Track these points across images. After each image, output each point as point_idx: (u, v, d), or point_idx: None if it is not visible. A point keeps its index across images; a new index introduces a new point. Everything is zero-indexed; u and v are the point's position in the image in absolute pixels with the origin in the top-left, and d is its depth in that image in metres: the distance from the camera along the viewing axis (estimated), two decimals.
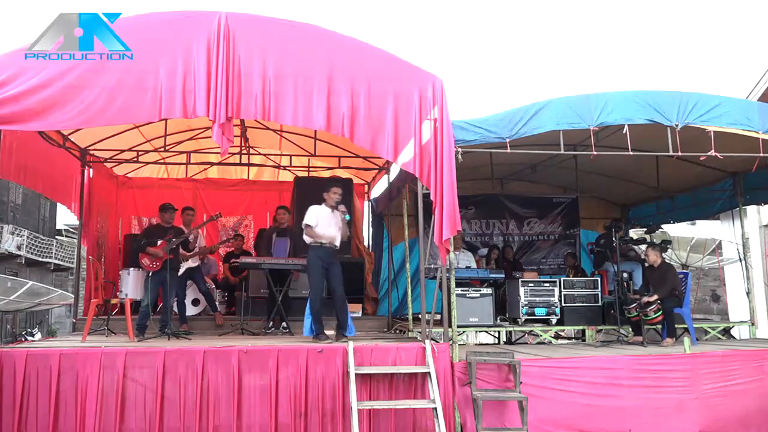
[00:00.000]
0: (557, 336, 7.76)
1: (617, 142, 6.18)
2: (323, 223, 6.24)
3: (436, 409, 5.05)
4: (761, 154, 6.12)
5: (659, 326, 6.98)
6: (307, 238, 6.26)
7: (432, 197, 5.58)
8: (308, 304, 6.30)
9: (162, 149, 8.29)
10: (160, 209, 6.96)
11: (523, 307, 7.48)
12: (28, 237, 22.42)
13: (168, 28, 5.39)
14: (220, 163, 9.38)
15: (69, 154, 7.69)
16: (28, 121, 5.20)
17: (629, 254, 8.86)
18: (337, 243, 6.37)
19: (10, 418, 4.88)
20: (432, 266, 6.51)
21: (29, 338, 18.49)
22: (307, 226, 6.18)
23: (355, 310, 8.29)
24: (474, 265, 8.16)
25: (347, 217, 6.34)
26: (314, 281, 6.23)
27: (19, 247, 21.73)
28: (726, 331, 7.96)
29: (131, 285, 6.58)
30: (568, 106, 5.94)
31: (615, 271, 7.15)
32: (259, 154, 9.62)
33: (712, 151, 6.01)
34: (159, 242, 6.57)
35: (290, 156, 9.49)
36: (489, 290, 7.30)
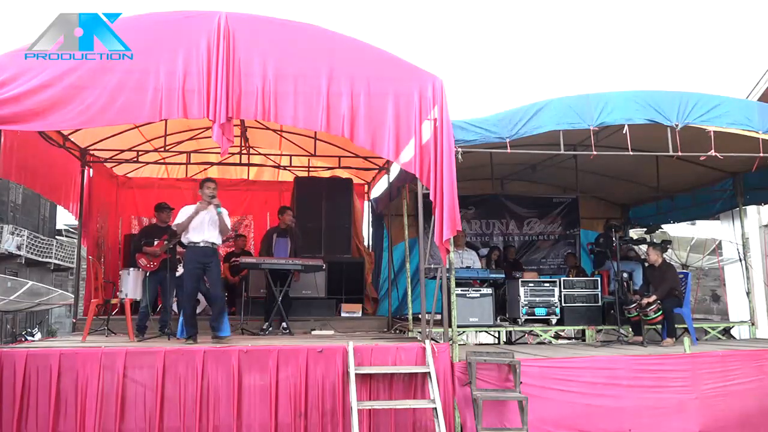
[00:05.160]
0: (557, 336, 7.77)
1: (617, 142, 6.18)
2: (195, 222, 6.08)
3: (436, 409, 5.05)
4: (761, 154, 6.12)
5: (659, 326, 6.98)
6: (184, 239, 6.13)
7: (432, 197, 5.58)
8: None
9: (162, 149, 8.29)
10: (155, 209, 6.95)
11: (523, 307, 7.48)
12: (28, 237, 22.42)
13: (168, 28, 5.39)
14: (220, 163, 9.38)
15: (69, 154, 7.69)
16: (28, 122, 5.21)
17: (629, 254, 8.86)
18: (215, 240, 6.18)
19: (10, 418, 4.88)
20: (432, 266, 6.52)
21: (29, 338, 18.48)
22: (177, 225, 6.06)
23: (355, 310, 8.30)
24: (477, 263, 8.16)
25: (219, 210, 6.10)
26: (188, 283, 6.10)
27: (19, 247, 21.73)
28: (726, 331, 7.96)
29: (131, 285, 6.57)
30: (568, 106, 5.94)
31: (615, 271, 7.15)
32: (259, 154, 9.63)
33: (712, 151, 6.01)
34: (156, 242, 6.57)
35: (290, 156, 9.49)
36: (489, 290, 7.30)
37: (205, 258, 6.12)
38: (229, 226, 6.20)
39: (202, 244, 6.09)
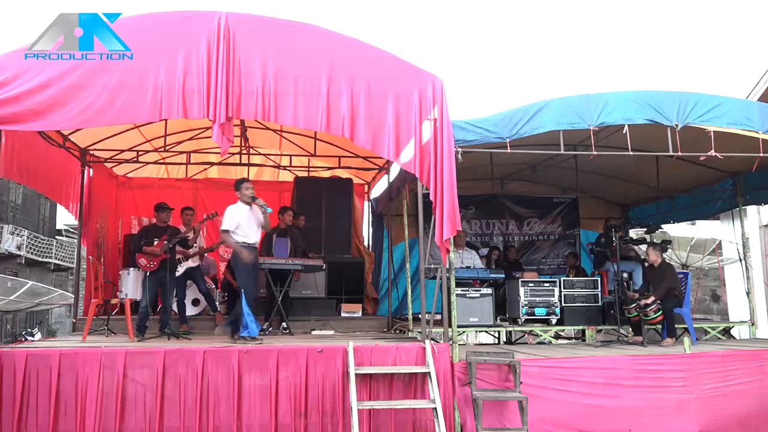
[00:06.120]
0: (557, 336, 7.76)
1: (617, 142, 6.18)
2: (244, 223, 6.13)
3: (436, 409, 5.05)
4: (761, 154, 6.12)
5: (659, 326, 6.98)
6: (230, 239, 6.13)
7: (432, 197, 5.58)
8: (244, 304, 6.02)
9: (162, 149, 8.29)
10: (155, 209, 6.94)
11: (523, 307, 7.48)
12: (28, 237, 22.42)
13: (168, 29, 5.39)
14: (220, 163, 9.38)
15: (69, 154, 7.69)
16: (28, 121, 5.21)
17: (629, 254, 8.86)
18: (258, 240, 6.31)
19: (10, 418, 4.89)
20: (432, 266, 6.52)
21: (29, 338, 18.47)
22: (225, 231, 6.07)
23: (355, 310, 8.30)
24: (478, 263, 8.16)
25: (269, 209, 6.21)
26: (248, 281, 6.10)
27: (19, 247, 21.73)
28: (726, 331, 7.96)
29: (131, 285, 6.57)
30: (568, 106, 5.94)
31: (615, 271, 7.15)
32: (259, 154, 9.62)
33: (712, 151, 6.01)
34: (155, 242, 6.58)
35: (290, 156, 9.49)
36: (489, 290, 7.30)
37: (255, 258, 6.24)
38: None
39: (253, 244, 6.19)
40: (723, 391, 5.76)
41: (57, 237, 26.31)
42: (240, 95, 5.36)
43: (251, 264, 6.16)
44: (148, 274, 6.52)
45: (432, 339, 5.73)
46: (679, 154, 6.09)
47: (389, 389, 5.35)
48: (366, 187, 10.34)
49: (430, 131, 5.62)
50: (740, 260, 8.41)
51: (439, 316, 6.07)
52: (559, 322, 7.56)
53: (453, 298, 5.99)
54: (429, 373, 5.29)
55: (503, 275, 7.96)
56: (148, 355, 5.17)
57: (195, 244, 7.37)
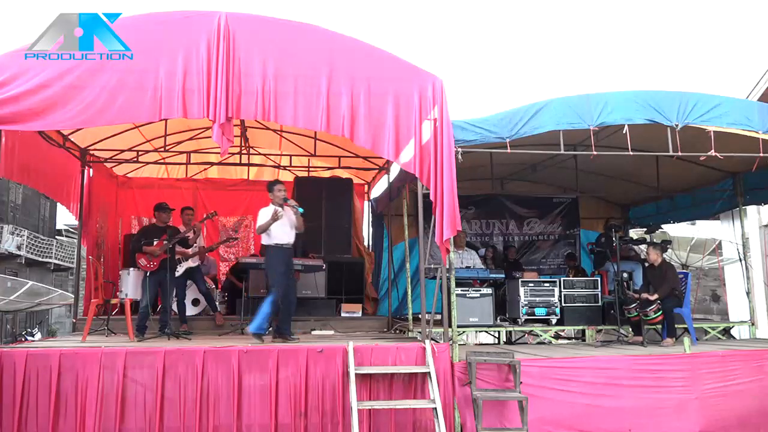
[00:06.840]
0: (557, 336, 7.76)
1: (617, 142, 6.18)
2: (276, 224, 6.11)
3: (436, 409, 5.06)
4: (761, 154, 6.12)
5: (659, 326, 6.98)
6: (264, 239, 6.16)
7: (432, 197, 5.58)
8: (269, 301, 6.02)
9: (162, 149, 8.28)
10: (155, 209, 6.93)
11: (523, 307, 7.48)
12: (28, 237, 22.41)
13: (168, 28, 5.39)
14: (220, 163, 9.37)
15: (69, 154, 7.69)
16: (28, 121, 5.21)
17: (629, 254, 8.86)
18: (293, 240, 6.30)
19: (10, 418, 4.89)
20: (432, 266, 6.52)
21: (29, 338, 18.48)
22: (260, 227, 6.08)
23: (355, 310, 8.30)
24: (478, 263, 8.16)
25: (301, 210, 6.21)
26: (281, 280, 6.09)
27: (19, 247, 21.72)
28: (726, 331, 7.96)
29: (131, 285, 6.57)
30: (568, 106, 5.94)
31: (615, 271, 7.15)
32: (259, 154, 9.62)
33: (712, 151, 6.01)
34: (155, 242, 6.57)
35: (290, 156, 9.49)
36: (489, 290, 7.30)
37: (290, 259, 6.26)
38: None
39: (286, 246, 6.18)
40: (723, 391, 5.76)
41: (57, 237, 26.31)
42: (240, 95, 5.36)
43: (285, 265, 6.16)
44: (148, 274, 6.52)
45: (432, 339, 5.73)
46: (679, 154, 6.09)
47: (389, 389, 5.35)
48: (366, 187, 10.35)
49: (430, 131, 5.62)
50: (740, 260, 8.41)
51: (439, 316, 6.07)
52: (559, 322, 7.56)
53: (453, 298, 5.99)
54: (429, 373, 5.29)
55: (503, 275, 7.96)
56: (148, 355, 5.17)
57: (195, 244, 7.37)
